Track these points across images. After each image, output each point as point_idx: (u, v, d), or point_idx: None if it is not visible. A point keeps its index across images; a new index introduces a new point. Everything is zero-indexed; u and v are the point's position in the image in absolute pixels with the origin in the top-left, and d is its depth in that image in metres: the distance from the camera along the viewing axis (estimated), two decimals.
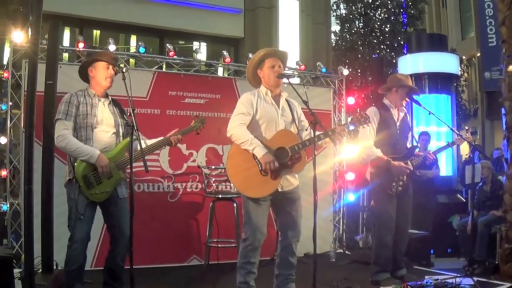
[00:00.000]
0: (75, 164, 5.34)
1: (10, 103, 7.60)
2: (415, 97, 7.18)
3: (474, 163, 9.15)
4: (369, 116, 6.11)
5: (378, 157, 6.88)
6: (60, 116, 5.39)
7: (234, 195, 7.86)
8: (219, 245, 7.95)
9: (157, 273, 7.68)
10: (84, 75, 5.74)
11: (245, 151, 5.65)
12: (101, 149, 5.42)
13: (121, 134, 5.68)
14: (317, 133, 5.55)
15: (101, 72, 5.60)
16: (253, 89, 6.08)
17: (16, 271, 6.25)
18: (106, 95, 5.70)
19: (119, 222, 5.54)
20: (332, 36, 20.10)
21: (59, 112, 5.43)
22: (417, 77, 12.01)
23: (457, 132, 7.73)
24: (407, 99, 7.07)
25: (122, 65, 5.60)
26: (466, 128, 8.54)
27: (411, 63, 12.63)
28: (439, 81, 12.21)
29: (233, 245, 7.87)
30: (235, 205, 7.88)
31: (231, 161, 5.77)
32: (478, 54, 22.33)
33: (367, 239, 9.90)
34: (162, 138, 5.79)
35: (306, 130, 5.93)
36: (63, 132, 5.35)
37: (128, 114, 5.10)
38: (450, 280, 6.49)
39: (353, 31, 21.83)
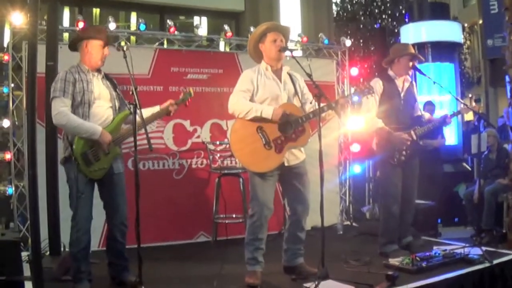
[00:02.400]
0: (74, 141, 5.31)
1: (12, 85, 7.56)
2: (418, 66, 7.15)
3: (479, 132, 9.12)
4: (372, 87, 6.10)
5: (379, 128, 6.87)
6: (57, 94, 5.32)
7: (240, 170, 7.84)
8: (226, 221, 7.95)
9: (164, 251, 7.68)
10: (75, 46, 5.70)
11: (248, 126, 5.66)
12: (99, 124, 5.40)
13: (117, 108, 5.67)
14: (320, 105, 5.53)
15: (97, 51, 5.54)
16: (255, 64, 6.05)
17: (24, 254, 6.24)
18: (98, 70, 5.64)
19: (114, 199, 5.57)
20: (333, 7, 19.93)
21: (55, 90, 5.35)
22: (420, 46, 12.00)
23: (462, 101, 7.70)
24: (411, 68, 7.03)
25: (123, 43, 5.56)
26: (470, 96, 8.53)
27: (414, 32, 12.60)
28: (442, 50, 12.16)
29: (240, 220, 7.89)
30: (241, 180, 7.88)
31: (234, 136, 5.77)
32: (480, 22, 22.16)
33: (374, 210, 9.89)
34: (158, 109, 5.76)
35: (311, 103, 5.91)
36: (62, 109, 5.29)
37: (131, 92, 5.05)
38: (458, 251, 6.47)
39: (354, 1, 21.68)
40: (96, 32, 5.63)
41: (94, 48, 5.54)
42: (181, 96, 5.95)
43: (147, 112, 5.64)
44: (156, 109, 5.75)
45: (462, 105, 7.36)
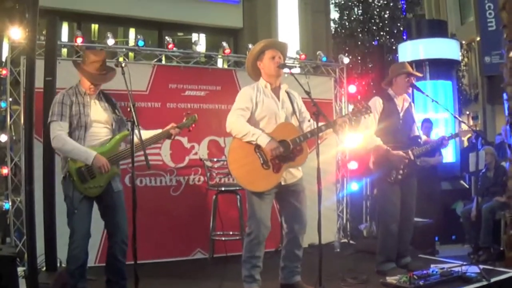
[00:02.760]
0: (69, 158, 5.33)
1: (10, 100, 7.55)
2: (416, 83, 7.16)
3: (477, 150, 9.12)
4: (371, 106, 6.11)
5: (378, 146, 6.85)
6: (55, 118, 5.35)
7: (237, 187, 7.77)
8: (223, 238, 7.93)
9: (161, 268, 7.63)
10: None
11: (246, 145, 5.64)
12: (95, 144, 5.41)
13: (115, 129, 5.65)
14: (319, 124, 5.51)
15: (85, 83, 5.54)
16: (253, 81, 6.04)
17: (20, 269, 6.20)
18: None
19: (114, 217, 5.52)
20: (332, 24, 19.95)
21: (52, 114, 5.37)
22: (418, 64, 12.01)
23: (460, 119, 7.70)
24: (409, 86, 7.03)
25: (121, 59, 5.54)
26: (468, 113, 8.56)
27: (412, 50, 12.62)
28: (439, 67, 12.18)
29: (237, 237, 7.86)
30: (238, 197, 7.86)
31: (232, 155, 5.76)
32: (478, 39, 22.24)
33: (371, 228, 9.86)
34: (160, 130, 5.74)
35: (309, 121, 5.91)
36: (59, 133, 5.31)
37: (128, 109, 5.03)
38: (456, 269, 6.44)
39: (352, 18, 21.68)
40: (87, 63, 5.56)
41: (83, 79, 5.55)
42: (184, 120, 5.95)
43: (148, 133, 5.64)
44: (157, 131, 5.75)
45: (460, 126, 7.37)
